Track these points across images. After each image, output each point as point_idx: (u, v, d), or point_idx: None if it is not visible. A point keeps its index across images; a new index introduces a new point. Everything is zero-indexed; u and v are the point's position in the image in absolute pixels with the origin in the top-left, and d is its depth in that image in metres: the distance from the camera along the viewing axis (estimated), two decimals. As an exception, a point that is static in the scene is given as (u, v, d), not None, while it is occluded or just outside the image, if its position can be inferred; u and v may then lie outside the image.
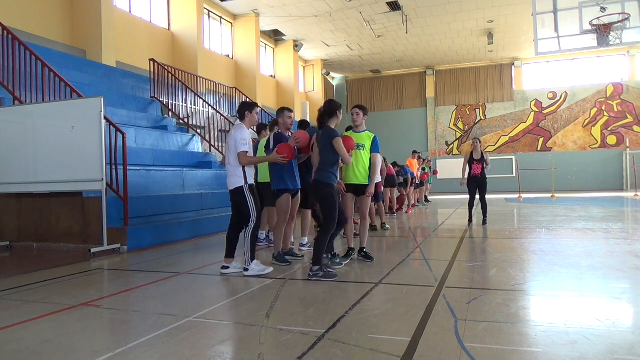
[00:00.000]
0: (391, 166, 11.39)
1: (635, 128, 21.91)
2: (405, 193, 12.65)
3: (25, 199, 7.16)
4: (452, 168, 23.36)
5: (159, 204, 7.75)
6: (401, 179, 12.03)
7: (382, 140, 9.45)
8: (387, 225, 8.67)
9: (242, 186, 4.66)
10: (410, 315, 3.17)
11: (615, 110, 22.19)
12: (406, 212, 12.13)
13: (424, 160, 14.64)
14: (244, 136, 4.67)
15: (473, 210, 8.90)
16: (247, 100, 4.93)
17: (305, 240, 6.36)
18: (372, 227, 8.53)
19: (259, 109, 5.15)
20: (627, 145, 21.73)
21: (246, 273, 4.68)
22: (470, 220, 8.80)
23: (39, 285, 4.46)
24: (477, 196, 8.74)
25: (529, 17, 15.16)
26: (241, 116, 4.86)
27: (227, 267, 4.81)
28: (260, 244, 6.54)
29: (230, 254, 4.83)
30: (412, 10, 16.62)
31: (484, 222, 8.66)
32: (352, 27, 18.23)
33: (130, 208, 6.91)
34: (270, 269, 4.74)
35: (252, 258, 4.70)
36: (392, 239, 7.47)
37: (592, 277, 4.26)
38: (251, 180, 4.75)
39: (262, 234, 6.70)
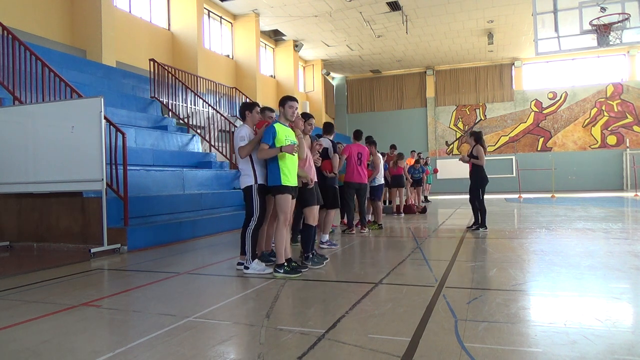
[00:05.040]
0: (400, 166, 11.30)
1: (635, 128, 21.92)
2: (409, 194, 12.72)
3: (25, 199, 7.16)
4: (452, 168, 23.38)
5: (159, 204, 7.74)
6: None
7: (382, 140, 9.55)
8: (368, 229, 8.42)
9: (251, 185, 4.76)
10: (410, 315, 3.17)
11: (615, 110, 22.20)
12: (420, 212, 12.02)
13: (419, 160, 14.64)
14: (241, 134, 4.79)
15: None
16: (247, 101, 4.99)
17: (326, 237, 6.59)
18: (379, 226, 8.59)
19: (259, 107, 5.18)
20: (627, 145, 21.74)
21: (246, 271, 4.74)
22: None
23: (39, 285, 4.46)
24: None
25: (529, 17, 15.17)
26: (242, 117, 5.07)
27: (242, 264, 4.88)
28: (324, 246, 6.49)
29: (245, 251, 4.86)
30: (412, 10, 16.63)
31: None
32: (352, 27, 18.24)
33: (130, 208, 6.90)
34: (270, 270, 4.74)
35: (253, 257, 4.76)
36: (392, 239, 7.47)
37: (592, 277, 4.26)
38: (261, 181, 4.78)
39: (324, 237, 6.61)
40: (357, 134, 8.07)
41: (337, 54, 21.99)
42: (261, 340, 2.74)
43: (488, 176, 7.99)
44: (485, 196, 8.09)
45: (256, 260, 4.78)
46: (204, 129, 12.28)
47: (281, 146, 4.52)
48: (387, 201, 12.13)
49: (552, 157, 21.96)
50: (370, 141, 8.95)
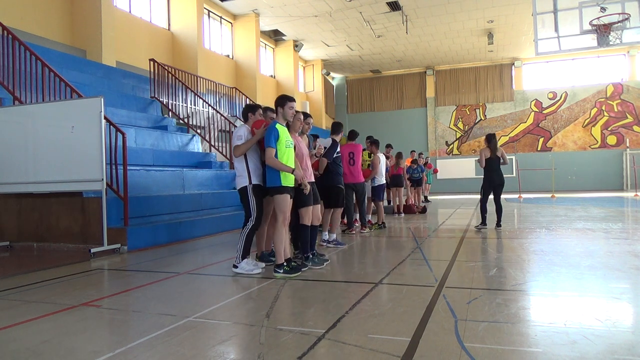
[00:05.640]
0: (401, 167, 11.33)
1: (635, 128, 21.91)
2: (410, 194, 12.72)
3: (25, 199, 7.16)
4: (452, 168, 23.38)
5: (159, 204, 7.74)
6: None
7: (382, 140, 9.53)
8: (367, 228, 8.40)
9: (246, 186, 4.76)
10: (410, 315, 3.17)
11: (615, 110, 22.20)
12: (420, 212, 12.02)
13: (416, 160, 14.61)
14: (239, 133, 4.79)
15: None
16: (250, 102, 5.02)
17: (334, 236, 6.64)
18: (379, 226, 8.58)
19: (262, 110, 5.19)
20: (627, 145, 21.74)
21: (235, 270, 4.75)
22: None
23: (39, 285, 4.46)
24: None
25: (529, 17, 15.17)
26: (245, 118, 5.07)
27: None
28: (330, 245, 6.54)
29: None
30: (412, 10, 16.63)
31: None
32: (352, 27, 18.24)
33: (130, 208, 6.91)
34: (260, 270, 4.76)
35: (244, 257, 4.76)
36: (392, 239, 7.47)
37: (592, 277, 4.26)
38: (256, 181, 4.77)
39: (332, 235, 6.67)
40: (351, 134, 8.07)
41: (337, 54, 21.99)
42: (261, 340, 2.74)
43: (494, 176, 8.24)
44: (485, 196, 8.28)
45: (245, 260, 4.77)
46: (204, 129, 12.28)
47: (294, 169, 4.60)
48: (388, 201, 12.13)
49: (552, 157, 21.95)
50: (371, 141, 8.97)
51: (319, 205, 5.48)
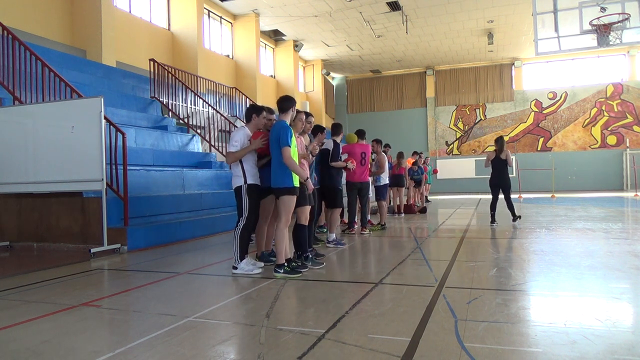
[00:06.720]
0: (403, 167, 11.36)
1: (635, 128, 21.91)
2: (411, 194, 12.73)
3: (25, 199, 7.16)
4: (452, 168, 23.38)
5: (159, 204, 7.74)
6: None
7: (382, 140, 9.54)
8: (369, 227, 8.43)
9: (240, 186, 4.76)
10: (410, 315, 3.17)
11: (615, 110, 22.20)
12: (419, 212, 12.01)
13: (416, 162, 14.60)
14: (236, 138, 4.76)
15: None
16: (254, 103, 4.96)
17: (333, 236, 6.64)
18: (381, 226, 8.58)
19: (265, 112, 5.14)
20: (627, 145, 21.74)
21: (234, 271, 4.75)
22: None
23: (39, 285, 4.46)
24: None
25: (529, 17, 15.17)
26: (248, 118, 4.99)
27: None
28: (329, 245, 6.54)
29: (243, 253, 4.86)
30: (412, 10, 16.63)
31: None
32: (352, 27, 18.24)
33: (130, 208, 6.90)
34: (259, 270, 4.76)
35: (242, 257, 4.76)
36: (392, 239, 7.47)
37: (592, 277, 4.26)
38: (251, 181, 4.77)
39: (330, 236, 6.67)
40: (361, 133, 8.04)
41: (337, 54, 21.99)
42: (261, 340, 2.74)
43: (493, 177, 8.83)
44: (485, 196, 8.53)
45: (245, 260, 4.77)
46: (204, 129, 12.27)
47: (308, 178, 4.76)
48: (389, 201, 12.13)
49: (552, 157, 21.96)
50: (376, 140, 9.04)
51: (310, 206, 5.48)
